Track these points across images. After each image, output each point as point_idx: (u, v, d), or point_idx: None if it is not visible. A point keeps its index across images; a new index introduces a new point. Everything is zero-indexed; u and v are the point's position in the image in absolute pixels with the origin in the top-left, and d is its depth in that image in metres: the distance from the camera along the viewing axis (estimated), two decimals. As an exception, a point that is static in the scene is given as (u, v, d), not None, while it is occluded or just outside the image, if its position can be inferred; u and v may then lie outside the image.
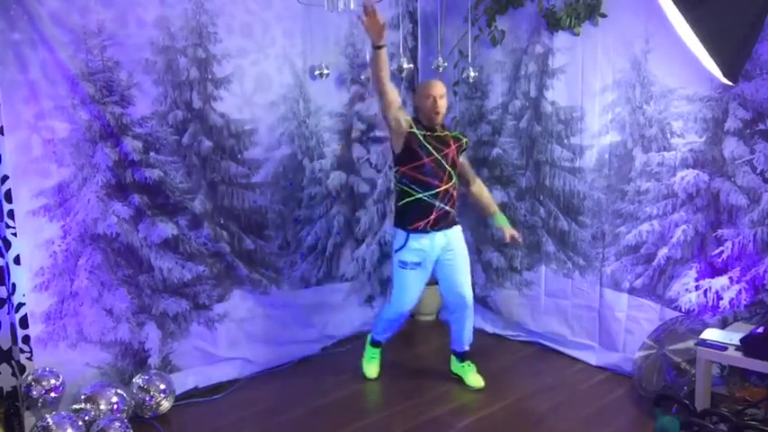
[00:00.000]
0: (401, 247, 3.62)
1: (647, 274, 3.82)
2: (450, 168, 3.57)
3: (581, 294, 4.16)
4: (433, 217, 3.55)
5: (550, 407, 3.62)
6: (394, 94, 3.50)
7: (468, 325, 3.84)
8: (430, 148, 3.53)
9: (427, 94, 3.54)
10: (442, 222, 3.59)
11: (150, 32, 3.55)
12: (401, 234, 3.62)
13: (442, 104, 3.54)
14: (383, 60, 3.33)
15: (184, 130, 3.75)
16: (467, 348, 3.90)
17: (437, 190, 3.53)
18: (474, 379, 3.85)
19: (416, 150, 3.52)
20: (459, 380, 3.90)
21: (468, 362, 3.91)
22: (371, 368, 4.03)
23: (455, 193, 3.63)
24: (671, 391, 3.34)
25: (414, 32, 4.84)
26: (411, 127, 3.53)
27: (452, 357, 3.96)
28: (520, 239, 3.82)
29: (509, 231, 3.77)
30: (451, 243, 3.66)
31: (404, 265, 3.64)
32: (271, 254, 4.18)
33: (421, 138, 3.53)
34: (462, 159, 3.72)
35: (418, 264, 3.62)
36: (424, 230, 3.56)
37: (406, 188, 3.57)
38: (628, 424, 3.42)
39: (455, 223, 3.68)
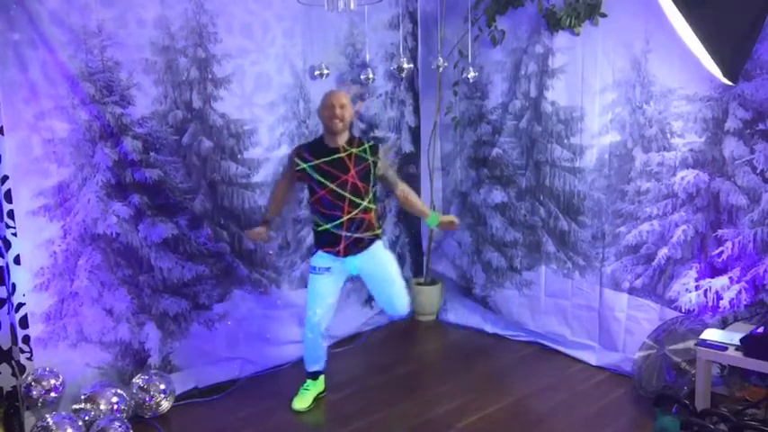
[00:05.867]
0: (313, 254, 3.63)
1: (647, 274, 3.82)
2: (350, 196, 3.42)
3: (581, 294, 4.16)
4: (341, 246, 3.48)
5: (550, 407, 3.62)
6: (281, 184, 3.69)
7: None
8: (323, 179, 3.41)
9: (327, 104, 3.43)
10: (354, 248, 3.51)
11: (150, 32, 3.55)
12: (315, 248, 3.63)
13: (342, 113, 3.39)
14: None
15: (184, 130, 3.75)
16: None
17: (340, 220, 3.43)
18: None
19: (311, 185, 3.47)
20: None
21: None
22: (300, 399, 3.70)
23: (368, 217, 3.49)
24: (671, 391, 3.34)
25: (414, 32, 4.84)
26: (299, 164, 3.47)
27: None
28: (457, 222, 3.76)
29: (445, 223, 3.71)
30: (370, 261, 3.57)
31: (313, 269, 3.60)
32: (271, 254, 4.18)
33: (310, 171, 3.43)
34: (382, 170, 3.55)
35: (327, 269, 3.55)
36: (336, 255, 3.52)
37: (314, 217, 3.57)
38: (628, 424, 3.42)
39: (372, 242, 3.55)
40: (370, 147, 3.54)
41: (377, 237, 3.58)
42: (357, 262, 3.56)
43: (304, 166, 3.46)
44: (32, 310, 3.33)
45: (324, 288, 3.59)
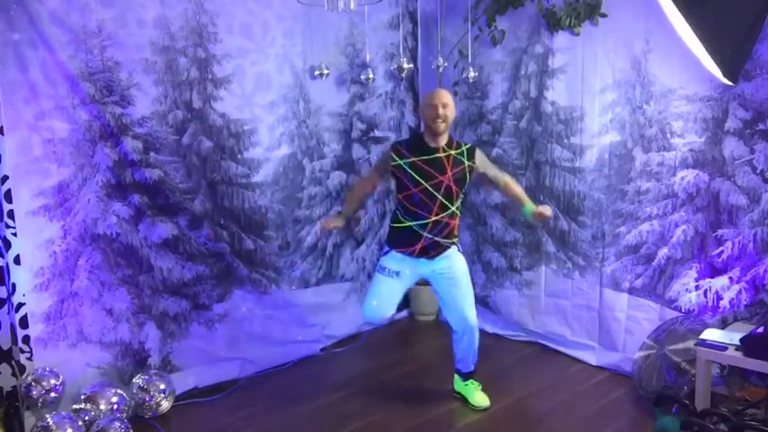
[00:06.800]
0: (385, 254, 3.55)
1: (647, 274, 3.82)
2: (443, 199, 3.35)
3: (581, 294, 4.16)
4: (418, 246, 3.40)
5: (550, 407, 3.62)
6: (370, 178, 3.67)
7: (474, 347, 3.67)
8: (418, 177, 3.34)
9: (429, 103, 3.36)
10: (431, 251, 3.43)
11: (150, 32, 3.55)
12: (388, 246, 3.57)
13: (445, 113, 3.32)
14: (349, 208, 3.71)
15: (184, 130, 3.75)
16: (472, 368, 3.73)
17: (426, 221, 3.36)
18: (479, 398, 3.66)
19: (404, 181, 3.39)
20: (463, 400, 3.70)
21: (473, 380, 3.74)
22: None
23: (453, 223, 3.43)
24: (671, 391, 3.34)
25: (414, 32, 4.84)
26: (395, 159, 3.40)
27: (456, 377, 3.79)
28: (549, 213, 3.50)
29: (537, 213, 3.50)
30: (442, 267, 3.50)
31: (381, 269, 3.53)
32: (271, 254, 4.18)
33: (406, 167, 3.36)
34: (482, 169, 3.49)
35: (396, 273, 3.48)
36: (409, 255, 3.45)
37: (398, 213, 3.49)
38: (628, 424, 3.42)
39: (447, 248, 3.48)
40: (467, 149, 3.45)
41: (453, 243, 3.51)
42: (432, 266, 3.49)
43: (400, 162, 3.38)
44: (32, 310, 3.33)
45: (386, 290, 3.53)
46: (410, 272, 3.51)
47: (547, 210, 3.50)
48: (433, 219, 3.37)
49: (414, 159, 3.38)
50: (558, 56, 4.07)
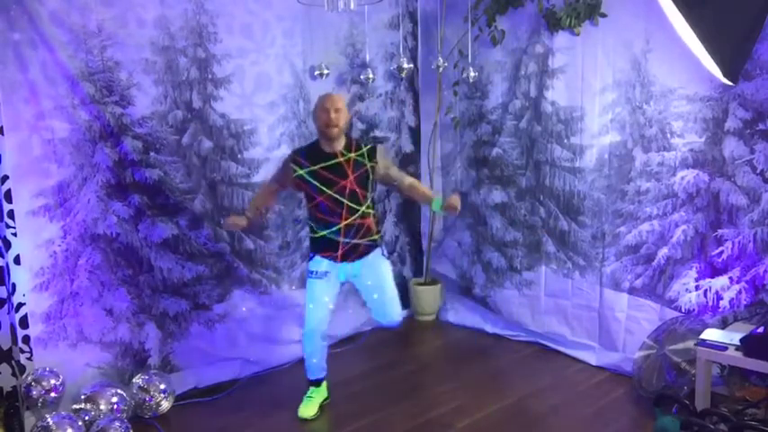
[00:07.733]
0: (310, 259, 3.53)
1: (647, 274, 3.82)
2: (348, 202, 3.34)
3: (581, 294, 4.16)
4: (339, 252, 3.40)
5: (550, 407, 3.62)
6: (269, 188, 3.59)
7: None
8: (321, 186, 3.33)
9: (322, 107, 3.33)
10: (352, 254, 3.43)
11: (150, 32, 3.55)
12: (312, 253, 3.54)
13: (338, 117, 3.29)
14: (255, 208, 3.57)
15: (184, 130, 3.75)
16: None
17: (338, 226, 3.36)
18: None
19: (308, 191, 3.39)
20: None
21: None
22: (305, 407, 3.61)
23: (367, 222, 3.43)
24: (671, 391, 3.34)
25: (414, 32, 4.84)
26: (295, 170, 3.38)
27: None
28: (458, 205, 3.39)
29: (448, 207, 3.41)
30: (366, 269, 3.50)
31: (310, 273, 3.50)
32: (271, 254, 4.18)
33: (307, 176, 3.35)
34: (383, 171, 3.49)
35: (326, 273, 3.46)
36: (333, 260, 3.44)
37: (310, 224, 3.50)
38: (628, 424, 3.42)
39: (369, 251, 3.49)
40: (367, 151, 3.46)
41: (374, 242, 3.51)
42: (351, 269, 3.49)
43: (301, 172, 3.38)
44: (32, 310, 3.33)
45: (323, 292, 3.50)
46: (336, 274, 3.50)
47: (456, 200, 3.40)
48: (344, 223, 3.37)
49: (313, 168, 3.36)
50: (557, 56, 4.07)
